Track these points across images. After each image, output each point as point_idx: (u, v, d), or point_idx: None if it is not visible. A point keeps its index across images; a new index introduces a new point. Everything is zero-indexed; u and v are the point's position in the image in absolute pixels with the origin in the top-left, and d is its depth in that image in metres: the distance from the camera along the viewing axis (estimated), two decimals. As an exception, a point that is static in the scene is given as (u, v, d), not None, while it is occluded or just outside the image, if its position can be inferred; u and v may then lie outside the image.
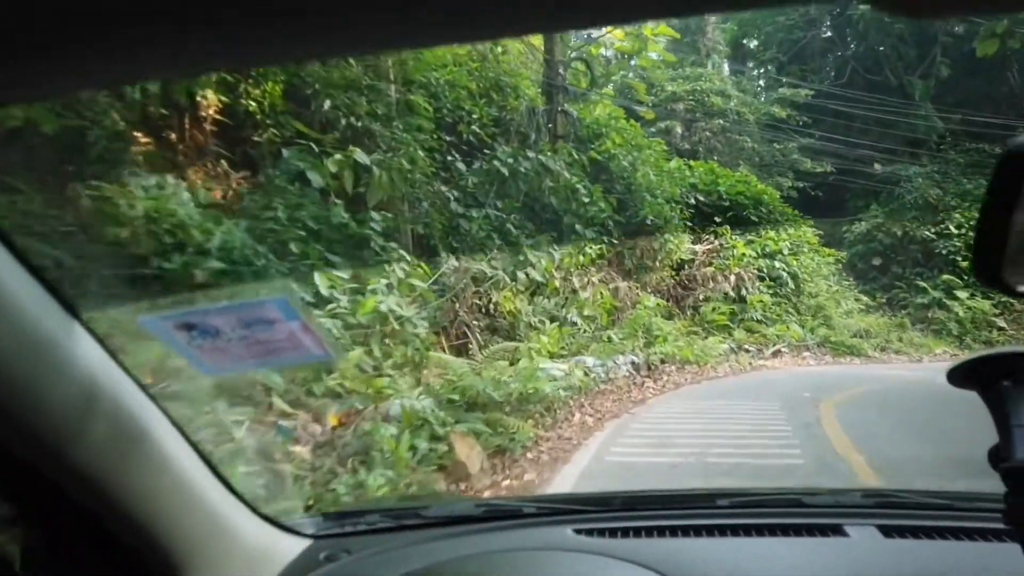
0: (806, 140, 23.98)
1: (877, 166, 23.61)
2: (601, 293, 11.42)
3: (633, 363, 10.33)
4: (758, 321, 15.78)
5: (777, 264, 17.31)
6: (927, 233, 21.37)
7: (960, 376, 1.02)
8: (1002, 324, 19.02)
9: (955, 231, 20.89)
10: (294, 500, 4.45)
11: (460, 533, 1.66)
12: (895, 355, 17.13)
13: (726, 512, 1.72)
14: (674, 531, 1.62)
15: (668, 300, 14.62)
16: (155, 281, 5.58)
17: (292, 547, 1.54)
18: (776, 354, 14.93)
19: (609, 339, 10.56)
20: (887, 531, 1.57)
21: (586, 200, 11.63)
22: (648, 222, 13.94)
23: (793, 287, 17.49)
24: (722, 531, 1.60)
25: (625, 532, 1.63)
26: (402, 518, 1.76)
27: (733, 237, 17.63)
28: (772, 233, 18.23)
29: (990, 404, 0.99)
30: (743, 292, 16.18)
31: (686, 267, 15.92)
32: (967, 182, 22.06)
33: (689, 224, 16.80)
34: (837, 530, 1.58)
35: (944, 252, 20.83)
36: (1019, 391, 0.97)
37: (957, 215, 21.10)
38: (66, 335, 0.95)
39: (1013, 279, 0.76)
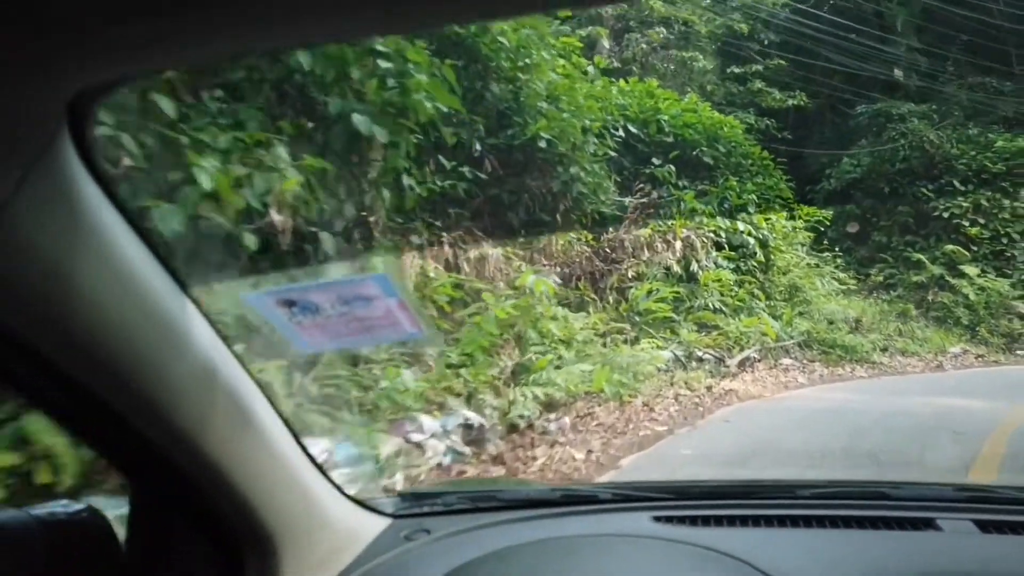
0: (774, 64, 18.62)
1: (860, 108, 18.50)
2: (423, 267, 5.72)
3: (466, 426, 4.72)
4: (715, 311, 10.41)
5: (741, 226, 11.95)
6: (923, 190, 16.44)
7: None
8: (1022, 310, 14.34)
9: (960, 187, 16.02)
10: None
11: (537, 516, 1.65)
12: (902, 357, 12.12)
13: (808, 503, 1.66)
14: (756, 520, 1.58)
15: (576, 279, 9.05)
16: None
17: (374, 525, 1.57)
18: (745, 364, 9.58)
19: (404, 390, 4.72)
20: (984, 526, 1.50)
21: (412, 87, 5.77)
22: (543, 146, 8.23)
23: (762, 259, 12.20)
24: (807, 522, 1.56)
25: (706, 520, 1.60)
26: (478, 500, 1.76)
27: (680, 186, 12.19)
28: (735, 181, 12.85)
29: None
30: (693, 267, 10.76)
31: (609, 228, 10.33)
32: (972, 126, 17.24)
33: (615, 165, 11.25)
34: (929, 524, 1.53)
35: (945, 215, 15.95)
36: None
37: (962, 166, 16.22)
38: (182, 312, 0.99)
39: None
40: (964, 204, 15.78)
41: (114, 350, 0.90)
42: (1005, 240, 15.32)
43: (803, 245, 15.28)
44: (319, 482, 1.35)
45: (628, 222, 10.64)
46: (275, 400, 1.21)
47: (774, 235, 12.88)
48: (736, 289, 11.15)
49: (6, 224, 0.73)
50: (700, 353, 9.21)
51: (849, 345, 11.46)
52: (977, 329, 14.03)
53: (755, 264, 12.10)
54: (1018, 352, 13.50)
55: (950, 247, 15.52)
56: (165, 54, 0.64)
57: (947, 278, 15.06)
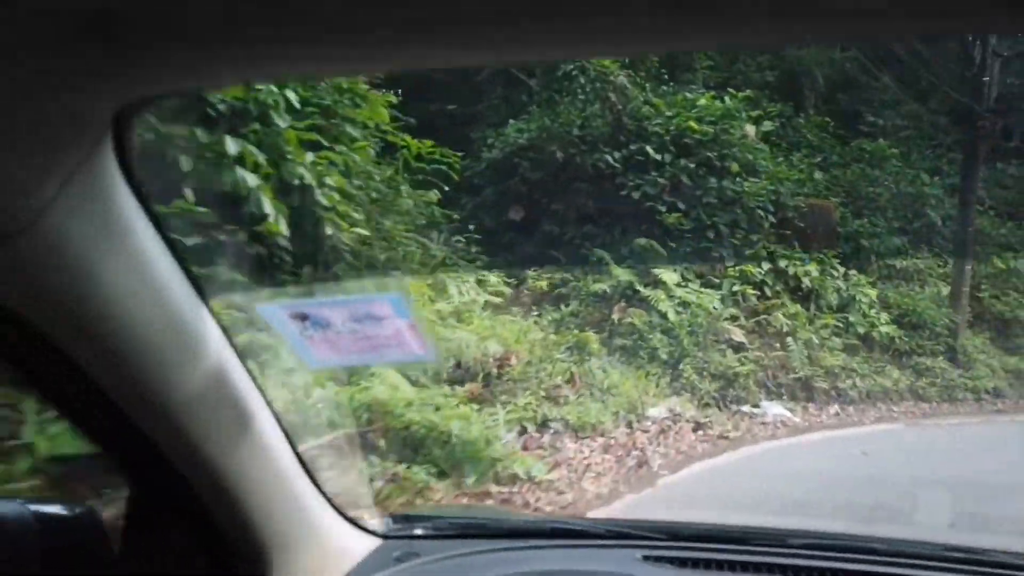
0: None
1: None
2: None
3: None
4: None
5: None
6: (608, 160, 11.24)
7: None
8: (739, 336, 9.65)
9: (655, 156, 11.05)
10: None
11: (527, 548, 1.67)
12: (552, 439, 6.20)
13: (799, 553, 1.68)
14: (745, 567, 1.61)
15: None
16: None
17: (366, 545, 1.59)
18: None
19: None
20: None
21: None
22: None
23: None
24: (795, 571, 1.59)
25: (695, 563, 1.63)
26: (469, 527, 1.79)
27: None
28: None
29: None
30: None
31: None
32: (670, 82, 12.63)
33: None
34: None
35: (636, 195, 10.89)
36: None
37: (657, 128, 11.31)
38: (199, 322, 1.02)
39: None
40: (660, 181, 10.84)
41: (131, 351, 0.92)
42: (712, 234, 10.65)
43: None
44: (315, 498, 1.37)
45: None
46: (280, 414, 1.23)
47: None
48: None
49: (46, 224, 0.77)
50: None
51: (437, 432, 5.12)
52: (681, 368, 8.93)
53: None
54: (733, 406, 8.60)
55: (642, 241, 10.44)
56: (208, 74, 0.69)
57: (638, 287, 9.90)
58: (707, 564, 1.60)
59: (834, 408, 9.02)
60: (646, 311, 9.62)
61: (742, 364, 9.24)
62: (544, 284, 10.53)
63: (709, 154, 10.84)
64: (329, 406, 4.93)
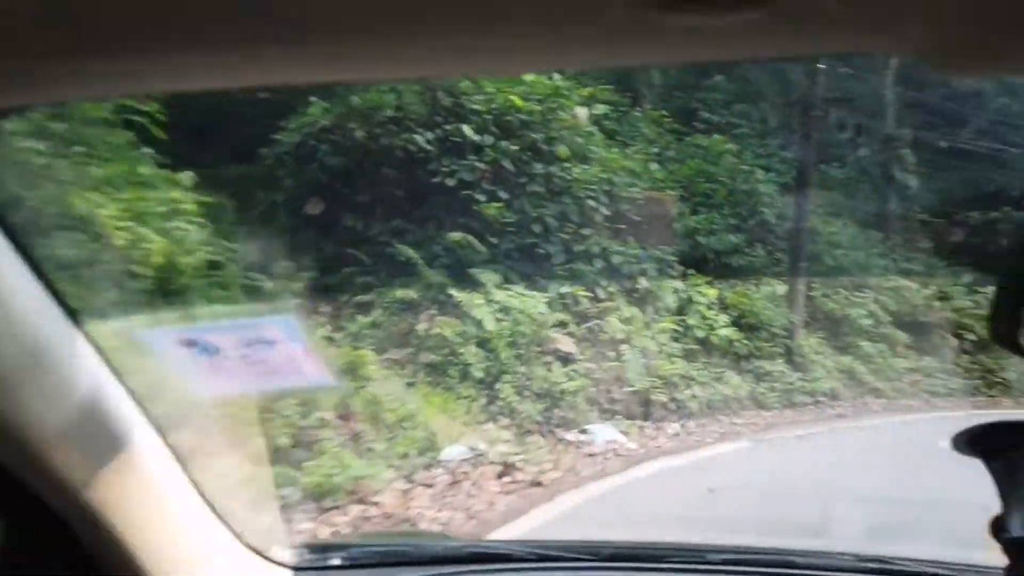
0: None
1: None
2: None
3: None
4: None
5: None
6: (418, 141, 9.50)
7: (965, 442, 0.97)
8: (568, 346, 8.25)
9: (473, 137, 9.43)
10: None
11: (444, 574, 1.62)
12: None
13: (717, 569, 1.68)
14: None
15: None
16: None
17: None
18: None
19: None
20: None
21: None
22: None
23: None
24: None
25: None
26: (386, 556, 1.73)
27: None
28: None
29: (993, 473, 0.96)
30: None
31: None
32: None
33: None
34: None
35: (451, 182, 9.23)
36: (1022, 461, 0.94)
37: (477, 105, 9.71)
38: (66, 342, 0.96)
39: None
40: (479, 166, 9.27)
41: None
42: (538, 228, 9.21)
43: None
44: (215, 529, 1.29)
45: None
46: (170, 441, 1.16)
47: None
48: None
49: None
50: None
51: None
52: (498, 388, 7.37)
53: None
54: (559, 431, 7.16)
55: (456, 236, 8.82)
56: (61, 88, 0.65)
57: (451, 291, 8.26)
58: None
59: (673, 426, 7.84)
60: (460, 320, 8.01)
61: (571, 379, 7.85)
62: (342, 290, 8.67)
63: (535, 136, 9.43)
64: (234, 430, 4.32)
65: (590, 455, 6.34)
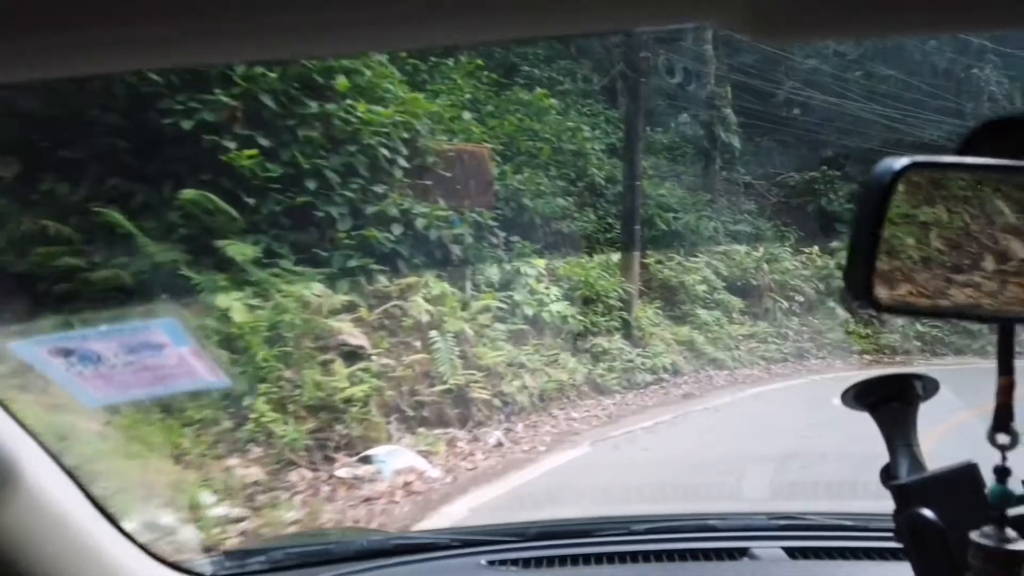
0: None
1: None
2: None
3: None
4: None
5: None
6: (150, 74, 6.95)
7: (852, 397, 1.05)
8: (356, 337, 6.18)
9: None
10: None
11: (370, 569, 1.61)
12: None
13: (640, 539, 1.73)
14: (587, 559, 1.63)
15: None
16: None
17: None
18: None
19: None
20: (792, 553, 1.62)
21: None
22: None
23: None
24: (635, 558, 1.63)
25: (539, 562, 1.64)
26: (308, 556, 1.68)
27: None
28: None
29: (880, 424, 1.04)
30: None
31: None
32: None
33: None
34: (745, 553, 1.63)
35: (187, 126, 6.76)
36: (906, 412, 1.03)
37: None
38: None
39: (881, 295, 0.77)
40: (227, 102, 6.86)
41: None
42: (314, 184, 6.98)
43: None
44: (118, 544, 1.21)
45: None
46: (58, 456, 1.09)
47: None
48: None
49: None
50: None
51: None
52: (247, 404, 5.19)
53: None
54: (341, 456, 5.12)
55: (190, 194, 6.40)
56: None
57: (184, 271, 5.89)
58: (550, 561, 1.63)
59: (495, 434, 6.06)
60: (196, 310, 5.69)
61: (358, 382, 5.80)
62: (38, 278, 6.03)
63: (306, 65, 7.17)
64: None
65: (368, 499, 4.39)
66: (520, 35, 0.64)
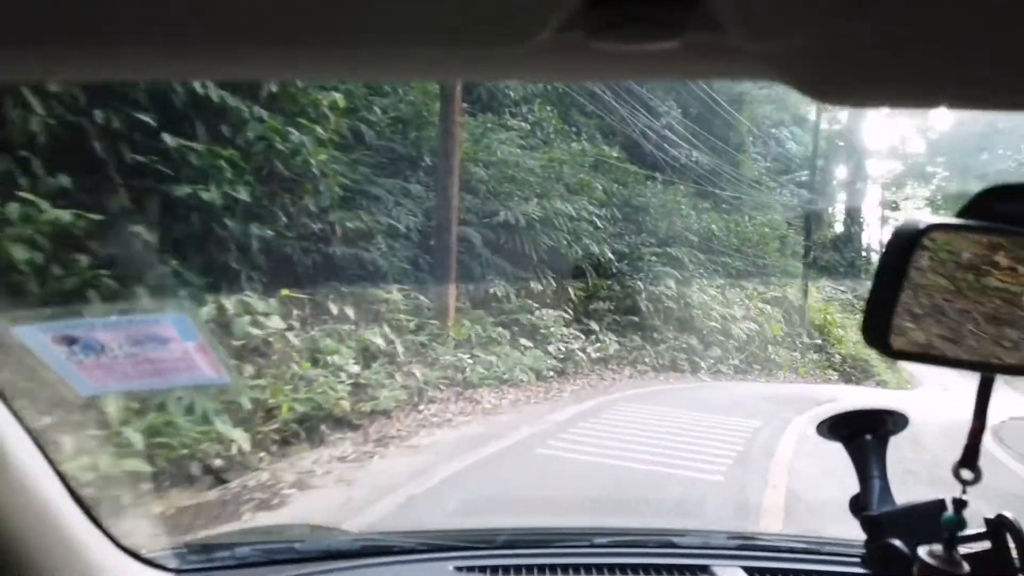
0: None
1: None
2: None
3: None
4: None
5: None
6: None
7: (827, 428, 1.12)
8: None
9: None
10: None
11: (336, 569, 1.61)
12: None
13: (603, 552, 1.77)
14: (553, 569, 1.65)
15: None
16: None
17: None
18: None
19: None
20: (751, 572, 1.65)
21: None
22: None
23: None
24: (599, 570, 1.66)
25: (506, 570, 1.64)
26: (274, 552, 1.68)
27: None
28: None
29: (852, 455, 1.10)
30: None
31: None
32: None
33: None
34: (705, 570, 1.66)
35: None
36: (878, 445, 1.10)
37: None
38: None
39: (898, 343, 0.83)
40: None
41: None
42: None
43: None
44: (89, 534, 1.23)
45: None
46: (41, 442, 1.12)
47: None
48: None
49: None
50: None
51: None
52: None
53: None
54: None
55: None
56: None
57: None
58: (516, 570, 1.63)
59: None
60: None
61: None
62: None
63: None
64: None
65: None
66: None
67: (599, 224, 13.99)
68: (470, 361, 9.66)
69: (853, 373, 21.31)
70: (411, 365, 8.60)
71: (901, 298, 0.82)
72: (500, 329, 10.86)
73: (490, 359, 9.99)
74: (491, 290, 11.13)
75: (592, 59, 0.55)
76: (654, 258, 15.95)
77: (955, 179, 32.75)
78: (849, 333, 22.33)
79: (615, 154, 16.44)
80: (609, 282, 14.34)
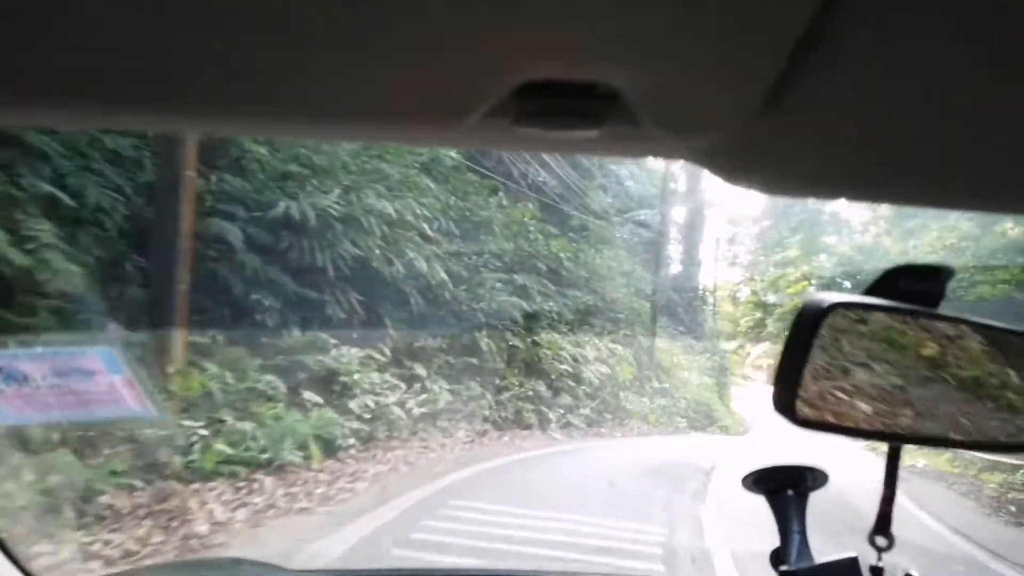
0: None
1: None
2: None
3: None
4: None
5: None
6: None
7: (752, 481, 1.12)
8: None
9: None
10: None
11: None
12: None
13: None
14: None
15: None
16: None
17: None
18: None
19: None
20: None
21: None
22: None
23: None
24: None
25: None
26: None
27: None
28: None
29: (775, 510, 1.11)
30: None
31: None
32: None
33: None
34: None
35: None
36: (799, 501, 1.11)
37: None
38: None
39: (804, 414, 0.85)
40: None
41: None
42: None
43: None
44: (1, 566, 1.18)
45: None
46: None
47: None
48: None
49: None
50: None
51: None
52: None
53: None
54: None
55: None
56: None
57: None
58: None
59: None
60: None
61: None
62: None
63: None
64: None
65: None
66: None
67: (429, 234, 10.66)
68: (205, 433, 5.82)
69: (698, 419, 21.51)
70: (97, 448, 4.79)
71: (807, 371, 0.84)
72: (270, 377, 7.09)
73: (244, 428, 6.19)
74: (260, 317, 7.30)
75: (518, 139, 0.60)
76: (499, 284, 12.99)
77: (778, 226, 35.15)
78: (691, 376, 23.41)
79: (454, 154, 13.52)
80: (441, 312, 11.13)
